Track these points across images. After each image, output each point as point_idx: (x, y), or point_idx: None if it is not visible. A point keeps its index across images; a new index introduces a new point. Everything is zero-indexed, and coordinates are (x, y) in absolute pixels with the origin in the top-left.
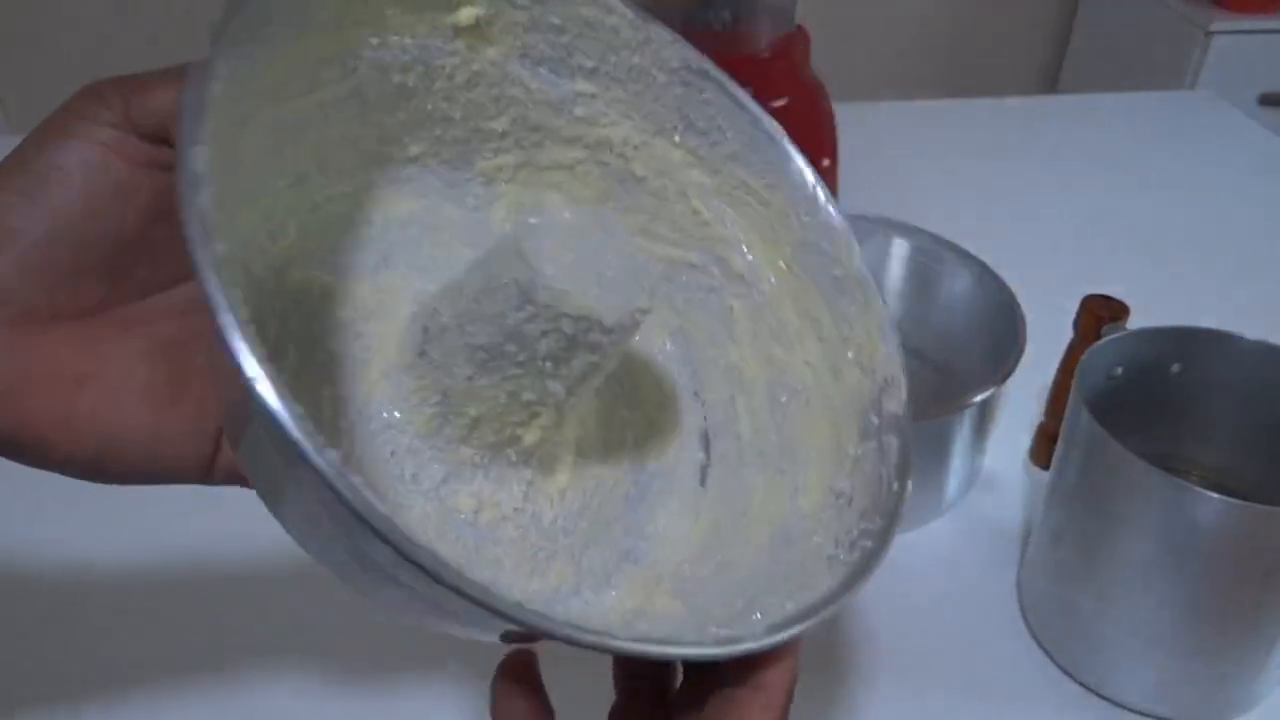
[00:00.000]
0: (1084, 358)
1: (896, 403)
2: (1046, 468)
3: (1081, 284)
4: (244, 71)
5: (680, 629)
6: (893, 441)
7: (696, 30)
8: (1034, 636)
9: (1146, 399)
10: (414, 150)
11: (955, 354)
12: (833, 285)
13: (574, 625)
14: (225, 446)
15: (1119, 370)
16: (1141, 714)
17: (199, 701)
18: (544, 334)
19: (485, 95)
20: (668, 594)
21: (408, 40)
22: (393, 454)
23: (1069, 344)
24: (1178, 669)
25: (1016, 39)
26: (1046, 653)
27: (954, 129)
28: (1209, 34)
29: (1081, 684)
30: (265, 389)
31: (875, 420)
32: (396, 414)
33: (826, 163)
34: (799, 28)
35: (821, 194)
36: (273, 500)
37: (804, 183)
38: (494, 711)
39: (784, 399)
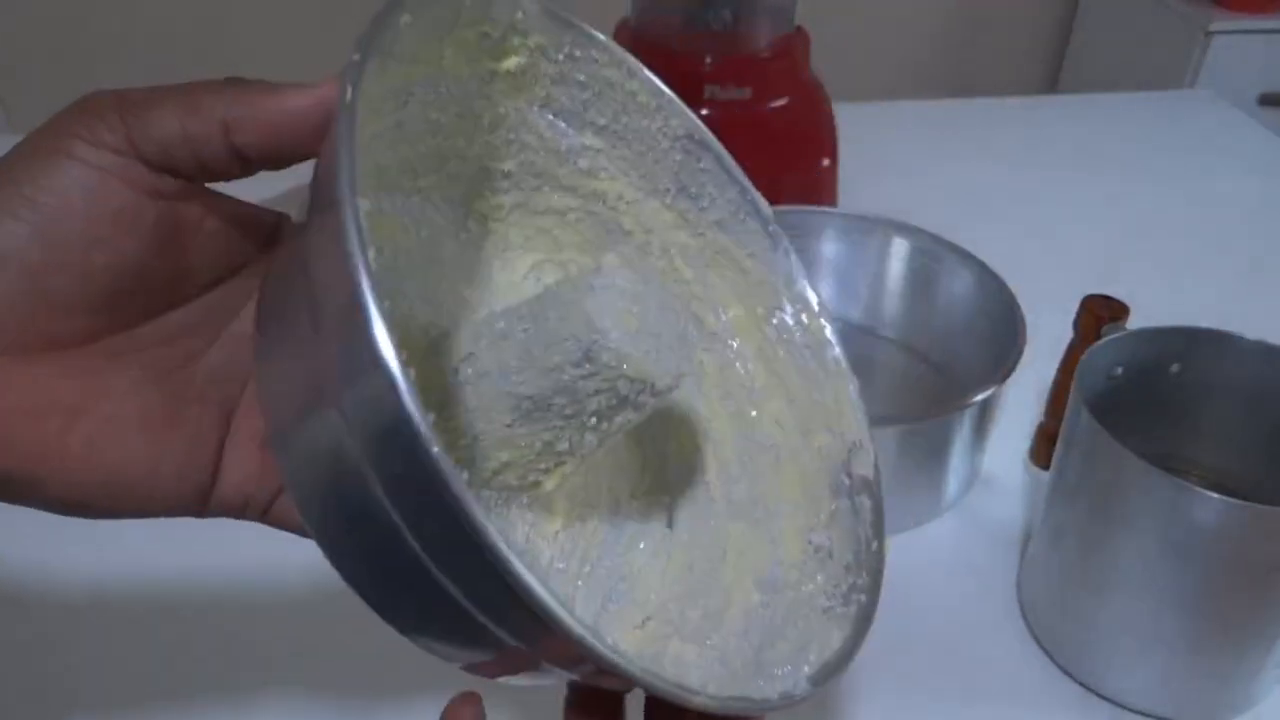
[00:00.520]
0: (1084, 358)
1: (866, 466)
2: (1046, 468)
3: (1081, 284)
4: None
5: (736, 680)
6: (865, 502)
7: (697, 30)
8: (1034, 636)
9: (1146, 399)
10: (423, 182)
11: (955, 354)
12: (803, 352)
13: (681, 686)
14: (223, 477)
15: (1119, 370)
16: (1141, 714)
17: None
18: (597, 392)
19: (502, 138)
20: (666, 637)
21: (451, 81)
22: None
23: (1069, 344)
24: (1178, 669)
25: (1016, 39)
26: (1046, 653)
27: (954, 129)
28: (1209, 34)
29: (1081, 684)
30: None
31: (846, 480)
32: None
33: (826, 163)
34: (799, 28)
35: (797, 271)
36: (332, 525)
37: (785, 257)
38: None
39: (752, 454)
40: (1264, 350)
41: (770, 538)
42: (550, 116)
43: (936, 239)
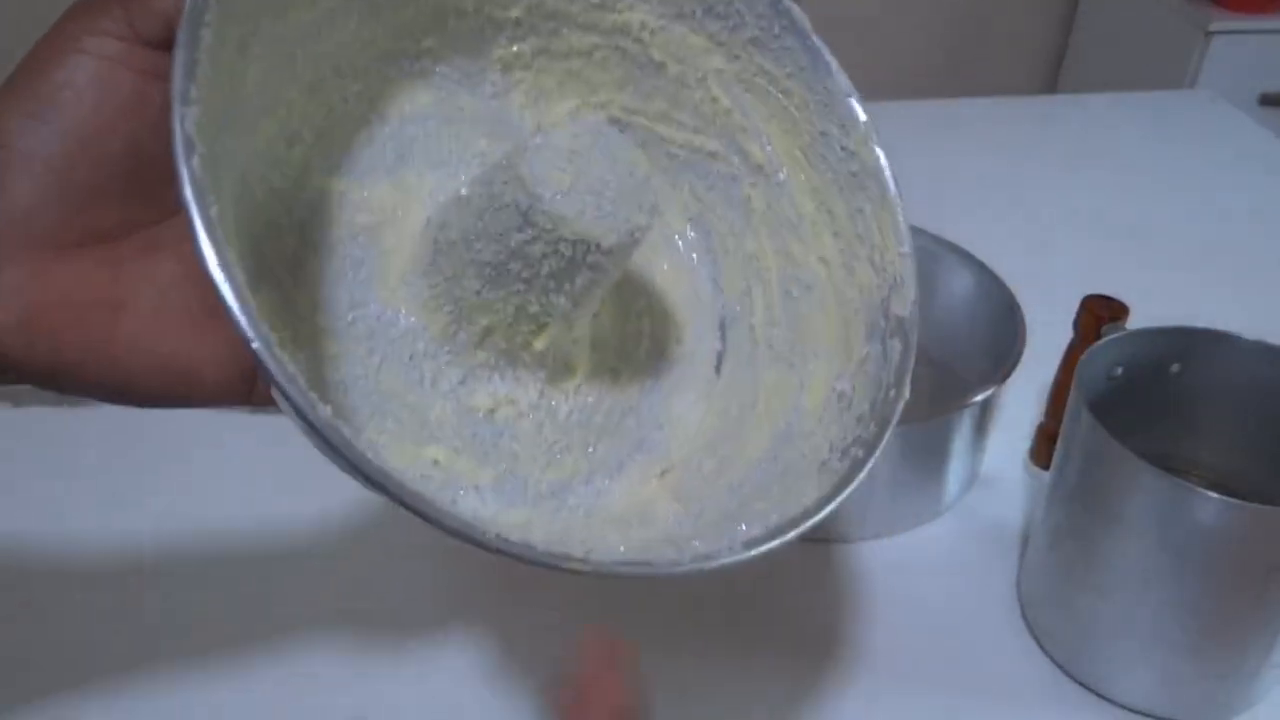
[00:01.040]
0: (1084, 358)
1: (903, 305)
2: (1046, 468)
3: (1081, 284)
4: (236, 1)
5: (665, 541)
6: (896, 346)
7: None
8: (1034, 636)
9: (1146, 399)
10: (427, 43)
11: (955, 354)
12: (850, 180)
13: (503, 538)
14: None
15: (1119, 370)
16: (1141, 714)
17: (200, 690)
18: (544, 256)
19: None
20: (671, 495)
21: None
22: (411, 358)
23: (1069, 344)
24: (1178, 669)
25: (1016, 39)
26: (1046, 653)
27: (954, 129)
28: (1209, 34)
29: (1081, 684)
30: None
31: (883, 322)
32: (414, 319)
33: None
34: None
35: (843, 83)
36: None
37: (826, 72)
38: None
39: (796, 293)
40: (1264, 350)
41: (800, 383)
42: None
43: (936, 239)
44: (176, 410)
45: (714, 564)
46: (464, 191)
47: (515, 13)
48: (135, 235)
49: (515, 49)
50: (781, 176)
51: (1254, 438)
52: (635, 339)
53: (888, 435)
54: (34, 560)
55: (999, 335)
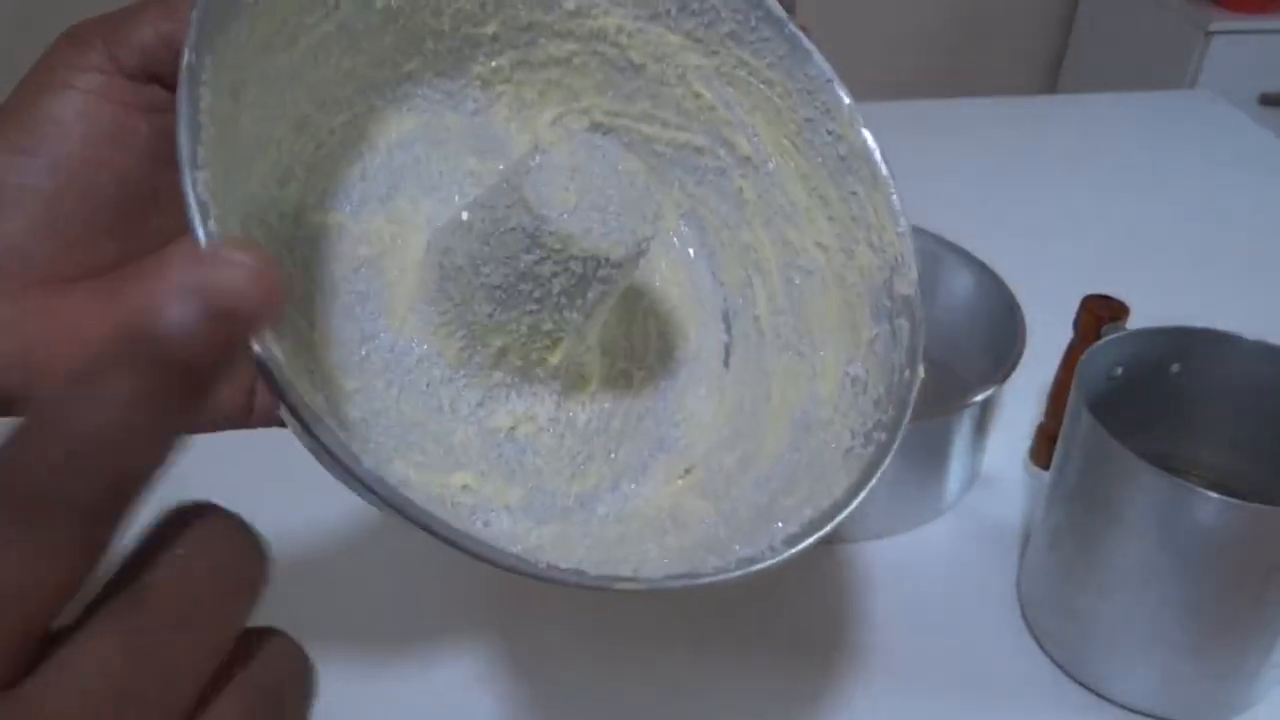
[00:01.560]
0: (1084, 358)
1: (906, 284)
2: (1046, 468)
3: (1081, 284)
4: (227, 50)
5: (703, 546)
6: (904, 325)
7: None
8: (1034, 636)
9: (1146, 399)
10: (408, 67)
11: (955, 354)
12: (839, 164)
13: (563, 568)
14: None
15: (1119, 370)
16: (1141, 714)
17: None
18: (554, 275)
19: (473, 3)
20: (699, 493)
21: None
22: (428, 385)
23: (1069, 344)
24: (1178, 669)
25: (1016, 39)
26: (1046, 653)
27: (954, 129)
28: (1209, 34)
29: (1081, 684)
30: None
31: (887, 302)
32: (426, 346)
33: None
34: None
35: (824, 68)
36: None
37: (805, 59)
38: None
39: (798, 280)
40: (1264, 350)
41: (811, 371)
42: None
43: (937, 239)
44: None
45: (759, 567)
46: (465, 216)
47: (491, 29)
48: (126, 267)
49: (494, 64)
50: (771, 166)
51: (1254, 438)
52: (643, 340)
53: (907, 416)
54: None
55: (999, 335)
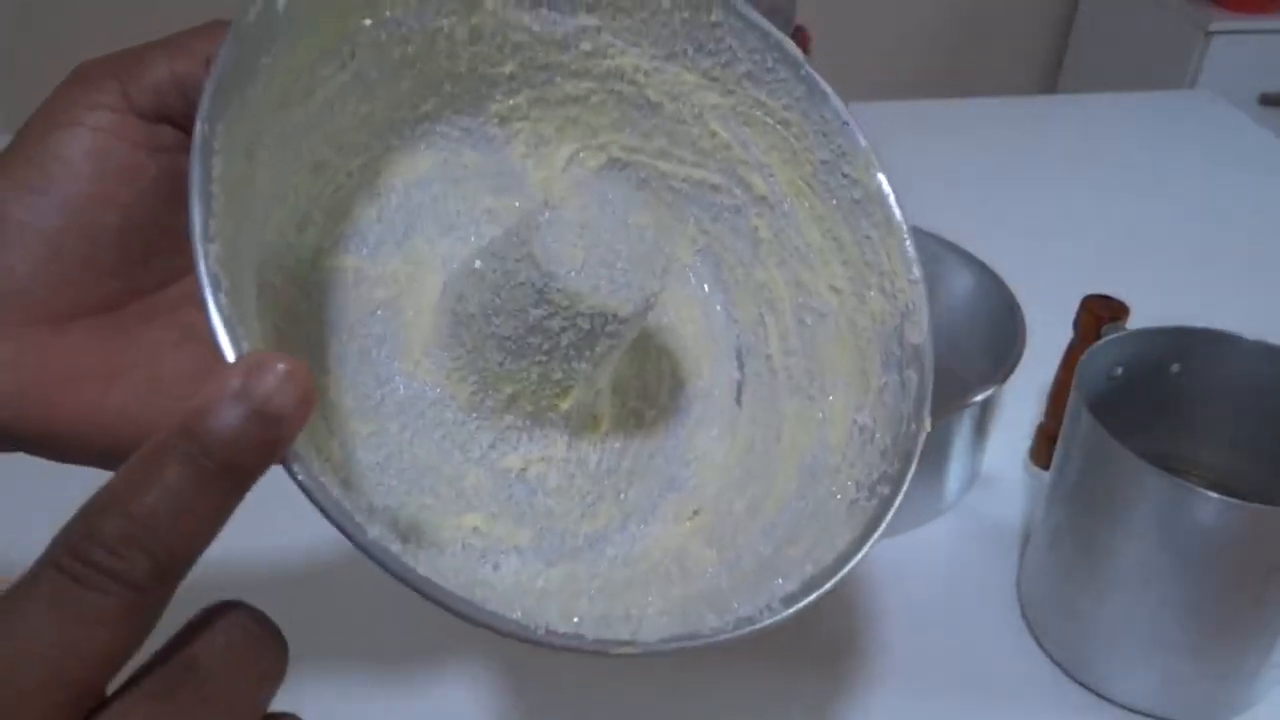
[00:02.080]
0: (1084, 358)
1: (918, 333)
2: (1046, 468)
3: (1081, 284)
4: (243, 110)
5: (704, 599)
6: (913, 377)
7: None
8: (1034, 636)
9: (1146, 399)
10: (425, 108)
11: (955, 354)
12: (854, 207)
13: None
14: None
15: (1119, 370)
16: (1141, 714)
17: None
18: (563, 329)
19: (489, 45)
20: (705, 540)
21: (401, 12)
22: (441, 429)
23: (1069, 344)
24: (1178, 669)
25: (1016, 39)
26: (1046, 653)
27: (954, 129)
28: (1209, 34)
29: (1081, 684)
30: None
31: (898, 351)
32: (439, 390)
33: None
34: (799, 28)
35: (841, 112)
36: None
37: (823, 101)
38: None
39: (810, 322)
40: (1264, 350)
41: (821, 416)
42: (533, 8)
43: (937, 239)
44: None
45: (755, 628)
46: (478, 265)
47: (509, 68)
48: (132, 305)
49: (511, 102)
50: (786, 206)
51: (1254, 438)
52: (656, 378)
53: (912, 470)
54: None
55: (999, 335)
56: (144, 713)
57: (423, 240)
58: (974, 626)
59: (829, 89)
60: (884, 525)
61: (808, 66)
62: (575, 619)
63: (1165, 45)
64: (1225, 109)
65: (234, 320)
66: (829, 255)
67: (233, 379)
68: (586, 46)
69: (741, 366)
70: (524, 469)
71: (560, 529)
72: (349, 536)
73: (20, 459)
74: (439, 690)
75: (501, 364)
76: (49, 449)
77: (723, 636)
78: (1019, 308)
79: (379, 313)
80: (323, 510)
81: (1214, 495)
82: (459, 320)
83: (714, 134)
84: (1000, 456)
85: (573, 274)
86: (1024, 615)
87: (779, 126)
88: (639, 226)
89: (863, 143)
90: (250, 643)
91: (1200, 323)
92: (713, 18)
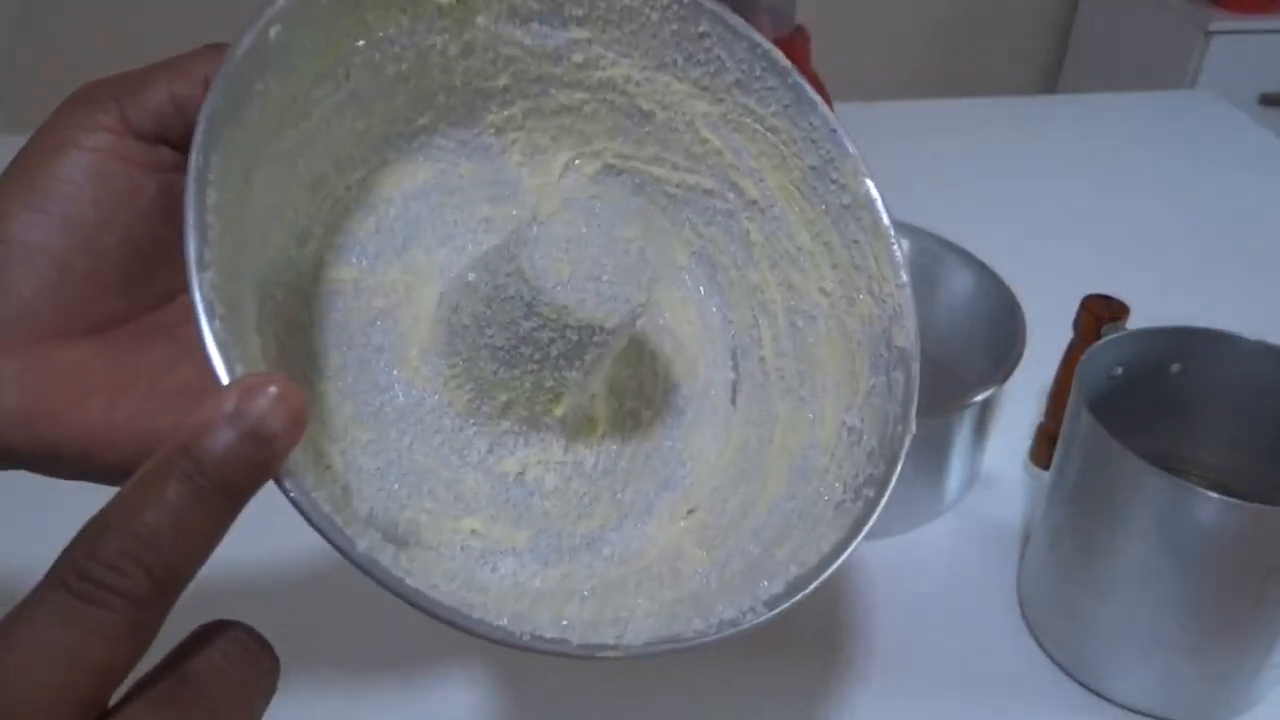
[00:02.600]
0: (1084, 358)
1: (904, 337)
2: (1046, 468)
3: (1081, 284)
4: (238, 136)
5: (691, 602)
6: (899, 379)
7: None
8: (1034, 636)
9: (1146, 399)
10: (421, 121)
11: (955, 354)
12: (843, 212)
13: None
14: None
15: (1119, 370)
16: (1141, 714)
17: None
18: (552, 340)
19: (482, 60)
20: (697, 541)
21: (393, 32)
22: (440, 434)
23: (1069, 344)
24: (1178, 669)
25: (1016, 39)
26: (1046, 653)
27: (954, 129)
28: (1209, 34)
29: (1081, 684)
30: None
31: (885, 353)
32: (437, 397)
33: None
34: (799, 27)
35: (829, 119)
36: None
37: (810, 108)
38: None
39: (801, 324)
40: (1264, 350)
41: (812, 417)
42: (524, 23)
43: (937, 239)
44: None
45: (738, 630)
46: (471, 277)
47: (502, 81)
48: (134, 323)
49: (506, 113)
50: (777, 210)
51: (1254, 438)
52: (651, 378)
53: (897, 473)
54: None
55: (999, 335)
56: None
57: (421, 250)
58: (974, 626)
59: (816, 97)
60: (868, 528)
61: (795, 75)
62: (564, 623)
63: (1165, 45)
64: (1225, 109)
65: (229, 344)
66: (819, 259)
67: (227, 401)
68: (578, 59)
69: (736, 367)
70: (521, 472)
71: (557, 530)
72: (339, 550)
73: (21, 477)
74: (439, 693)
75: (495, 372)
76: (53, 466)
77: (706, 639)
78: (1019, 308)
79: (378, 322)
80: (314, 525)
81: (1214, 495)
82: (454, 330)
83: (705, 140)
84: (1000, 456)
85: (559, 288)
86: (1024, 615)
87: (768, 133)
88: (625, 240)
89: (851, 149)
90: (246, 658)
91: (1200, 323)
92: (701, 28)
